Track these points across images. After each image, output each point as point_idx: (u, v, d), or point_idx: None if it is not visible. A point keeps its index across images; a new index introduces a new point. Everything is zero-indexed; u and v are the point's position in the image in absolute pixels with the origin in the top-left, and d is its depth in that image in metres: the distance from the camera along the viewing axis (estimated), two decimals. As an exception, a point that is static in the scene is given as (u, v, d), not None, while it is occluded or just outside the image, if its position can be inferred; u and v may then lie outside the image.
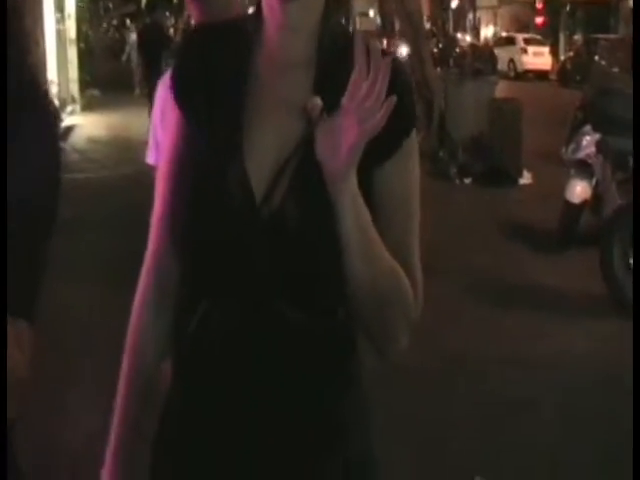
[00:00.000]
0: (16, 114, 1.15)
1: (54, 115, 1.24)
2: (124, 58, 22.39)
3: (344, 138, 1.18)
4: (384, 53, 1.17)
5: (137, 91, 20.66)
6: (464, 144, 10.61)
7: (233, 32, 1.37)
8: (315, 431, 1.32)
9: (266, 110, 1.29)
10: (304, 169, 1.24)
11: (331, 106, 1.21)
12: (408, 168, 1.33)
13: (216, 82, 1.33)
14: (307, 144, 1.23)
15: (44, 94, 1.25)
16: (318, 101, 1.23)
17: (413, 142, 1.33)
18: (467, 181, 10.44)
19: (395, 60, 1.27)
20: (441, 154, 11.06)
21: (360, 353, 1.38)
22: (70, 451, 3.78)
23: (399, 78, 1.28)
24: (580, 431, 4.11)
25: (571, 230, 7.09)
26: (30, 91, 1.21)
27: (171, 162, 1.36)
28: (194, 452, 1.35)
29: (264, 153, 1.28)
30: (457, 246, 7.26)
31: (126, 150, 13.49)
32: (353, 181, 1.22)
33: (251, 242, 1.25)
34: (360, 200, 1.23)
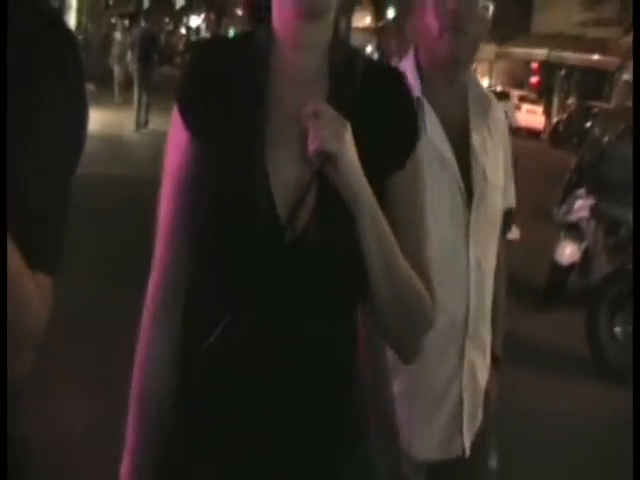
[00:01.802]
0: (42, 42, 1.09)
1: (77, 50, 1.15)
2: (110, 60, 21.21)
3: None
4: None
5: (117, 99, 19.60)
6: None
7: (244, 48, 1.35)
8: (333, 436, 1.33)
9: (283, 128, 1.28)
10: (327, 188, 1.24)
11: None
12: (415, 181, 1.36)
13: (229, 99, 1.31)
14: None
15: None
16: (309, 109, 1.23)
17: (419, 156, 1.35)
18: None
19: (399, 77, 1.36)
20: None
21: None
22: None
23: (402, 94, 1.35)
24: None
25: (557, 290, 7.13)
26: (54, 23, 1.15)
27: (179, 182, 1.34)
28: (206, 467, 1.33)
29: (286, 172, 1.27)
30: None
31: (118, 148, 13.46)
32: (371, 195, 1.24)
33: (275, 260, 1.25)
34: (380, 214, 1.25)
